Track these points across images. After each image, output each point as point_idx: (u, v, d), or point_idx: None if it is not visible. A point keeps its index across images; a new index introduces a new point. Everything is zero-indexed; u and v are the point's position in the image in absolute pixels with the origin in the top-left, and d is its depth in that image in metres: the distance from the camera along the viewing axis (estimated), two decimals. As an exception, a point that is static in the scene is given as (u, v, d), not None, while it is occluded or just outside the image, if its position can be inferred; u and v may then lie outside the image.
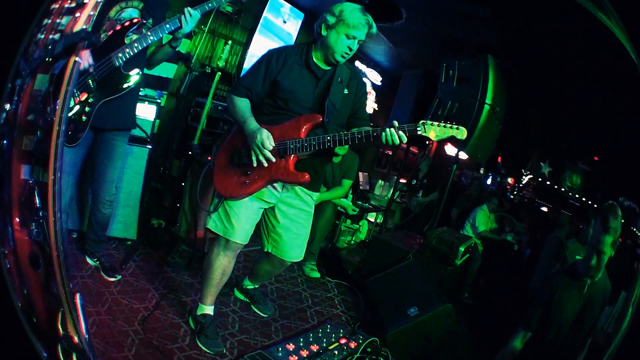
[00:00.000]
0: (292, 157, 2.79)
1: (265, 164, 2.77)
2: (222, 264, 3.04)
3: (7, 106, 1.82)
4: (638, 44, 1.86)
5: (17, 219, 1.82)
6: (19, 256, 1.79)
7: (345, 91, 2.95)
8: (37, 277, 1.80)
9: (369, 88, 8.91)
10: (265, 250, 3.21)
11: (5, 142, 1.84)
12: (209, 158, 3.10)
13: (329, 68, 2.93)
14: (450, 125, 2.58)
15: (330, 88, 2.87)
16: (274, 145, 2.77)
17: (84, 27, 2.07)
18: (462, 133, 2.60)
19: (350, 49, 2.82)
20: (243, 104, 2.89)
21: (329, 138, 2.70)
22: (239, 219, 2.93)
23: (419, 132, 2.57)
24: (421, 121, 2.57)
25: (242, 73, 5.68)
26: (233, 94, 2.94)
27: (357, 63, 8.22)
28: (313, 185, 3.07)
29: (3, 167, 1.84)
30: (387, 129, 2.57)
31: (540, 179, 12.20)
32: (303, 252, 3.24)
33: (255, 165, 2.80)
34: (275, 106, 2.90)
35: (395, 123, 2.57)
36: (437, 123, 2.55)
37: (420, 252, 4.40)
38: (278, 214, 3.08)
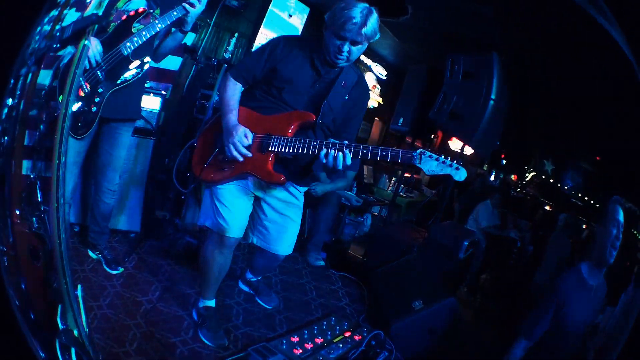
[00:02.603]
0: (272, 155, 2.68)
1: (240, 159, 2.67)
2: (218, 262, 2.97)
3: (10, 101, 1.81)
4: (634, 45, 1.86)
5: (17, 212, 1.81)
6: (18, 250, 1.78)
7: (346, 97, 2.79)
8: (37, 271, 1.79)
9: (374, 82, 8.89)
10: (250, 242, 3.12)
11: (6, 137, 1.83)
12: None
13: (335, 69, 2.76)
14: (450, 162, 2.35)
15: (331, 90, 2.73)
16: (249, 143, 2.68)
17: (95, 11, 2.07)
18: (461, 174, 2.35)
19: (341, 50, 2.58)
20: (233, 92, 2.79)
21: (315, 143, 2.53)
22: (231, 213, 2.85)
23: (414, 162, 2.36)
24: (419, 150, 2.37)
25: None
26: (230, 74, 2.83)
27: (363, 57, 8.22)
28: (300, 181, 2.97)
29: (4, 163, 1.84)
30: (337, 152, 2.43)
31: (543, 177, 12.19)
32: (292, 246, 3.14)
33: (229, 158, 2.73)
34: (268, 93, 2.79)
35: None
36: (437, 157, 2.35)
37: (425, 245, 4.40)
38: (265, 207, 3.00)
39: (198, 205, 4.33)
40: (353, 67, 2.84)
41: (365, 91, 2.97)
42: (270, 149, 2.65)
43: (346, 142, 2.49)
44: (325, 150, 2.47)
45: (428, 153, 2.36)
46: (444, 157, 2.36)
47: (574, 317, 2.74)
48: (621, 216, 2.63)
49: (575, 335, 2.78)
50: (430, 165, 2.36)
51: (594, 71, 5.08)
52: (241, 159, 2.67)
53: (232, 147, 2.66)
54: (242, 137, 2.66)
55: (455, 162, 2.36)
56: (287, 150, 2.61)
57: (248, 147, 2.68)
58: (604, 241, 2.66)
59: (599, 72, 4.94)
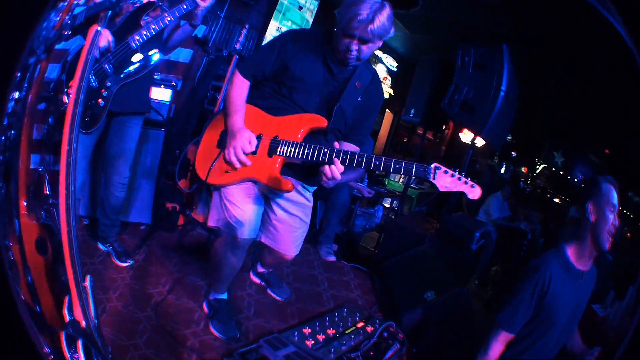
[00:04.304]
0: (279, 160, 2.57)
1: (238, 166, 2.58)
2: (231, 262, 2.89)
3: (16, 94, 1.78)
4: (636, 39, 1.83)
5: (24, 204, 1.79)
6: (24, 243, 1.76)
7: (359, 98, 2.67)
8: (44, 263, 1.78)
9: (384, 73, 8.86)
10: (258, 240, 3.00)
11: (12, 131, 1.81)
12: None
13: (348, 68, 2.62)
14: (464, 179, 2.25)
15: (343, 92, 2.61)
16: (252, 150, 2.58)
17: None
18: (475, 192, 2.25)
19: (350, 49, 2.45)
20: (240, 90, 2.66)
21: (325, 151, 2.41)
22: (243, 213, 2.71)
23: (428, 178, 2.26)
24: (433, 164, 2.27)
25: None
26: (238, 70, 2.69)
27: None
28: (310, 180, 2.87)
29: (11, 157, 1.82)
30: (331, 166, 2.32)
31: (553, 169, 12.16)
32: (299, 247, 3.04)
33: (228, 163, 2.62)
34: (278, 92, 2.66)
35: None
36: (452, 173, 2.25)
37: (436, 236, 4.39)
38: (275, 206, 2.88)
39: (207, 201, 4.32)
40: (367, 64, 2.73)
41: (378, 91, 2.84)
42: (278, 153, 2.56)
43: (359, 150, 2.42)
44: (335, 159, 2.36)
45: (442, 168, 2.26)
46: (459, 173, 2.27)
47: (560, 303, 2.51)
48: (616, 200, 2.47)
49: (564, 326, 2.58)
50: (444, 181, 2.26)
51: (604, 63, 5.06)
52: (239, 165, 2.59)
53: (232, 150, 2.57)
54: (246, 143, 2.56)
55: (469, 179, 2.27)
56: (295, 156, 2.51)
57: (251, 154, 2.60)
58: (599, 225, 2.47)
59: (608, 64, 4.92)
